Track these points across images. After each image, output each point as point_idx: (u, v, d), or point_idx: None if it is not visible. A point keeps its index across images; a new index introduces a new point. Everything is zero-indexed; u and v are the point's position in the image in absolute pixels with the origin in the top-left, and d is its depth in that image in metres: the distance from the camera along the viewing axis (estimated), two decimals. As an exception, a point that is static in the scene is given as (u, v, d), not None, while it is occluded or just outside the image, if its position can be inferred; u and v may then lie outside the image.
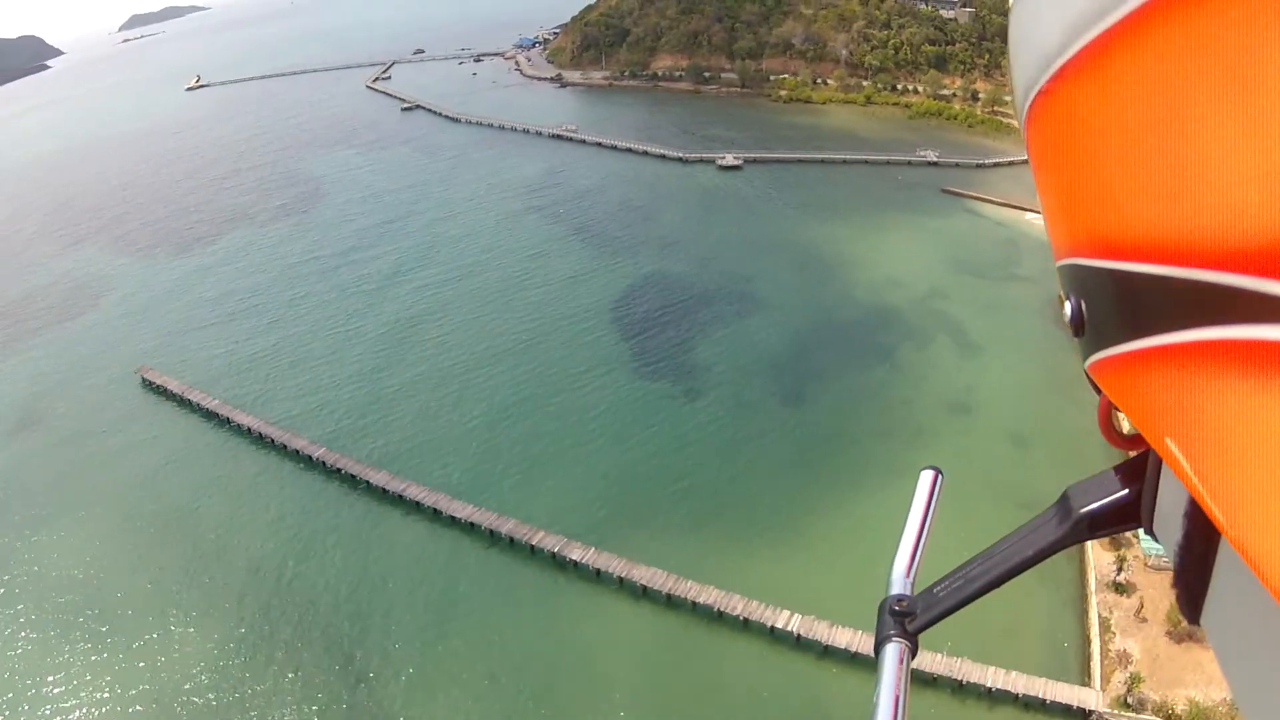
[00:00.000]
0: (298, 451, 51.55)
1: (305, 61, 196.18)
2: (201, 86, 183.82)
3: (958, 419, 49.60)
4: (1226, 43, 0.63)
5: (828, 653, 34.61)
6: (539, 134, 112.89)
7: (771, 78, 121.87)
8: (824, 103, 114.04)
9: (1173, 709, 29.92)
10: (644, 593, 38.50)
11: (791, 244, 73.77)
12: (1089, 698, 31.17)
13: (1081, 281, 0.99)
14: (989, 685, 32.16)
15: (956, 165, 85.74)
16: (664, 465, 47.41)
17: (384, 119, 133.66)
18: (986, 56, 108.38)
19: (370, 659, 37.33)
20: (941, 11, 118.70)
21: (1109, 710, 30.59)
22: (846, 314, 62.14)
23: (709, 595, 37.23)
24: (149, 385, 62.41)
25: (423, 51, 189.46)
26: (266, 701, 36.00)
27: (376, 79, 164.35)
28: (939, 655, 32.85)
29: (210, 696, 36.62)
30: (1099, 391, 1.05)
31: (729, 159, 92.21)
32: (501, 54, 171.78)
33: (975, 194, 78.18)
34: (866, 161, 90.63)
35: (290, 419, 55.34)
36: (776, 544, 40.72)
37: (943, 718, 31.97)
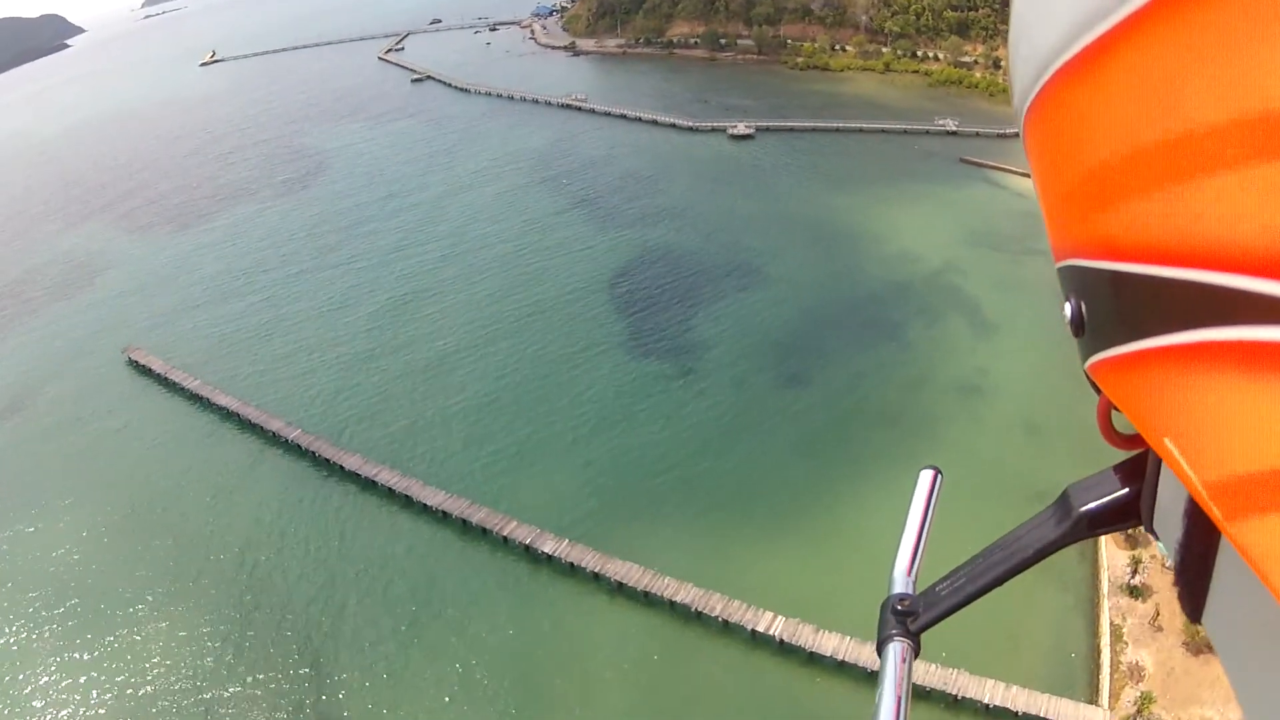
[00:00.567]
0: (275, 434, 49.77)
1: (320, 34, 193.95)
2: (216, 61, 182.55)
3: (969, 404, 46.28)
4: (1226, 43, 0.62)
5: (812, 659, 31.96)
6: (548, 104, 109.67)
7: (789, 44, 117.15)
8: (842, 70, 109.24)
9: (1189, 731, 26.99)
10: (619, 589, 36.09)
11: (800, 216, 70.21)
12: (1095, 718, 28.21)
13: (1081, 282, 0.99)
14: (986, 701, 29.28)
15: (976, 134, 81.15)
16: (653, 453, 44.73)
17: (393, 91, 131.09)
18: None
19: (337, 658, 35.46)
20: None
21: (1118, 731, 27.71)
22: (855, 290, 58.69)
23: (687, 594, 34.71)
24: (135, 366, 61.17)
25: (439, 21, 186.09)
26: (235, 702, 34.36)
27: (389, 50, 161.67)
28: (934, 666, 30.04)
29: (178, 695, 35.04)
30: (1098, 392, 1.06)
31: (740, 128, 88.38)
32: (518, 22, 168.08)
33: (995, 164, 73.77)
34: (883, 130, 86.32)
35: (274, 401, 53.53)
36: (766, 540, 37.99)
37: (935, 735, 29.31)
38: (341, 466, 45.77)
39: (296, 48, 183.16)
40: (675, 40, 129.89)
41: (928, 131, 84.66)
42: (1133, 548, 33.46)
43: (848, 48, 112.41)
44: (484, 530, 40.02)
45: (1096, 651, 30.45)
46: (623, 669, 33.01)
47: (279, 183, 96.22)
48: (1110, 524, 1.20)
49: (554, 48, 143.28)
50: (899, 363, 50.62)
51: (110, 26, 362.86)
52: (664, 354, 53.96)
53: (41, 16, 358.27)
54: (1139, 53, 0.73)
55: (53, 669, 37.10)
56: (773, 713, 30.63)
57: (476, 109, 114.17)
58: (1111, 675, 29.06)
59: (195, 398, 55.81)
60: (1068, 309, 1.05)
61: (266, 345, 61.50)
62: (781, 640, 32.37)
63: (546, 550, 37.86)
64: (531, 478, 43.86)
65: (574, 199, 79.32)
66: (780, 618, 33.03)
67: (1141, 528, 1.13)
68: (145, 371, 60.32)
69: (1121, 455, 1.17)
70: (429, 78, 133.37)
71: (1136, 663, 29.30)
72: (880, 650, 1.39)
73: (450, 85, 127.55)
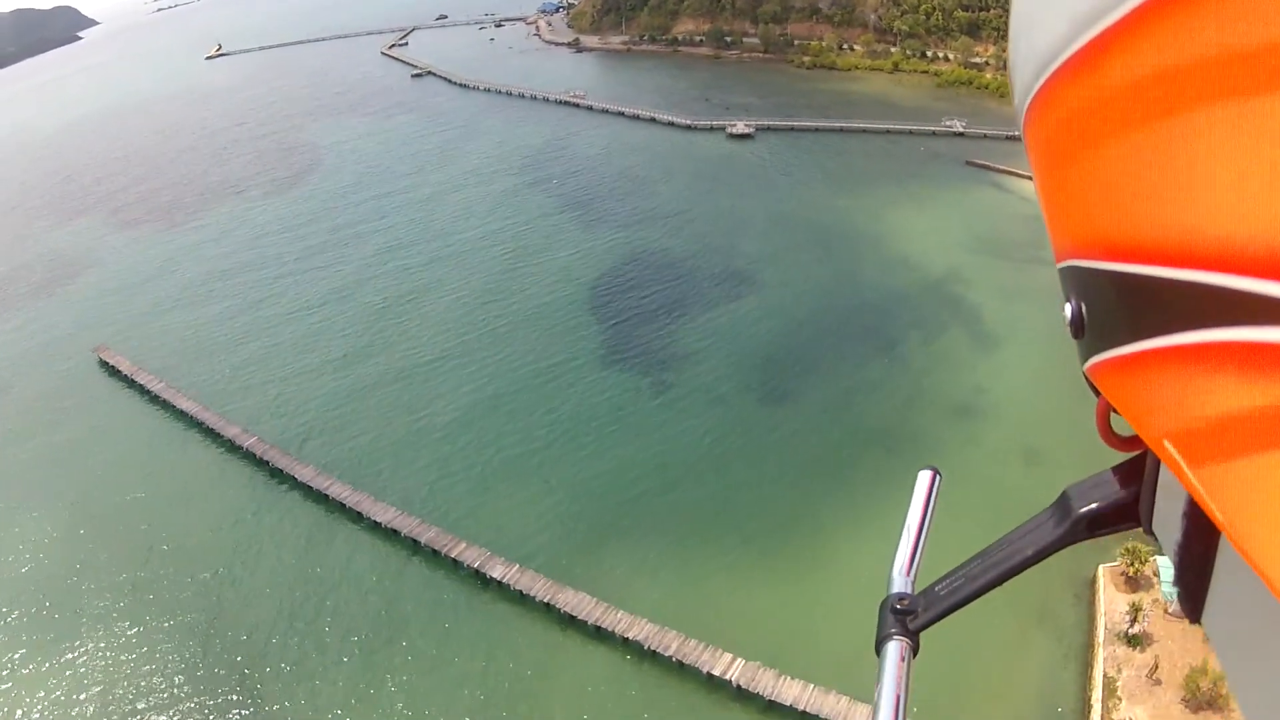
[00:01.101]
0: (231, 441, 47.49)
1: (325, 28, 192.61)
2: (221, 55, 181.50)
3: (964, 426, 43.10)
4: (1225, 43, 0.62)
5: (771, 708, 29.06)
6: (546, 100, 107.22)
7: (796, 43, 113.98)
8: (849, 69, 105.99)
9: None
10: (570, 621, 33.32)
11: (796, 219, 67.16)
12: (1081, 786, 25.25)
13: (1082, 283, 0.99)
14: (960, 761, 26.39)
15: (984, 136, 77.68)
16: (623, 478, 41.81)
17: (394, 86, 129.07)
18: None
19: (269, 683, 33.02)
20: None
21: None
22: (850, 299, 55.58)
23: (640, 630, 31.89)
24: (105, 366, 59.32)
25: (445, 16, 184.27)
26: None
27: (393, 45, 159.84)
28: None
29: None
30: (1097, 393, 1.06)
31: (740, 126, 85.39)
32: (524, 19, 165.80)
33: (1003, 167, 70.37)
34: (888, 131, 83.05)
35: (239, 408, 51.20)
36: (736, 573, 35.09)
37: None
38: (294, 477, 43.34)
39: (300, 42, 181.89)
40: (680, 37, 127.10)
41: (934, 133, 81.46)
42: (1133, 591, 30.30)
43: (855, 46, 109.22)
44: (434, 551, 37.38)
45: (1086, 706, 27.36)
46: (566, 708, 30.27)
47: (269, 181, 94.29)
48: (1109, 525, 1.20)
49: (558, 44, 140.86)
50: (890, 379, 47.51)
51: (122, 19, 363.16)
52: (644, 368, 51.04)
53: (54, 8, 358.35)
54: (1138, 52, 0.72)
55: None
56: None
57: (476, 105, 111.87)
58: (1101, 738, 26.00)
59: (158, 400, 53.78)
60: (1068, 310, 1.04)
61: (239, 349, 59.26)
62: (739, 685, 29.46)
63: (495, 575, 35.15)
64: (493, 499, 41.14)
65: (565, 200, 76.65)
66: (740, 660, 30.16)
67: (1141, 529, 1.12)
68: (114, 372, 58.47)
69: (1120, 457, 1.16)
70: (430, 73, 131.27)
71: (1130, 723, 26.24)
72: (879, 649, 1.39)
73: (450, 81, 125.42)
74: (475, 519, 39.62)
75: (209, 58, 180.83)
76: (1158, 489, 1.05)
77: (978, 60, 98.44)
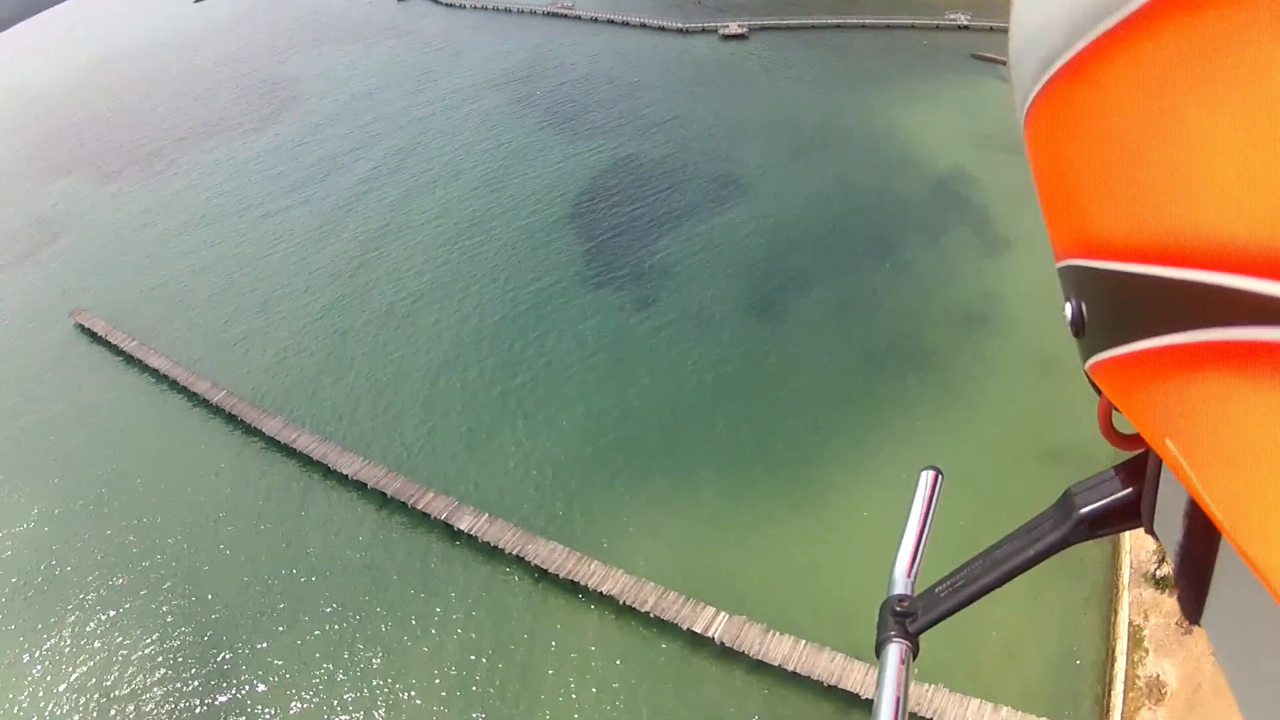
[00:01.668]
0: (201, 396, 45.40)
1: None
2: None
3: (974, 336, 39.19)
4: (1224, 44, 0.62)
5: (758, 669, 26.39)
6: (534, 13, 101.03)
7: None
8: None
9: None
10: (542, 575, 30.81)
11: (790, 122, 61.90)
12: (1101, 750, 22.28)
13: (1082, 283, 0.98)
14: (965, 723, 23.52)
15: (991, 29, 71.14)
16: (597, 408, 38.82)
17: (377, 13, 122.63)
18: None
19: (237, 651, 31.33)
20: None
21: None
22: (847, 202, 51.03)
23: (615, 582, 29.25)
24: (82, 329, 57.40)
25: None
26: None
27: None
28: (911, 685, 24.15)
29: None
30: (1099, 392, 1.05)
31: (733, 27, 78.92)
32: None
33: (1011, 60, 64.01)
34: (888, 26, 76.73)
35: (218, 363, 48.96)
36: (714, 519, 32.08)
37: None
38: (261, 431, 41.16)
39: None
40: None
41: (937, 26, 75.01)
42: (1163, 518, 26.77)
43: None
44: (404, 503, 34.96)
45: (1110, 658, 24.19)
46: (554, 671, 27.96)
47: (252, 118, 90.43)
48: (1111, 525, 1.20)
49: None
50: (891, 287, 43.50)
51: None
52: (624, 284, 47.50)
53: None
54: (1139, 53, 0.72)
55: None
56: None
57: (461, 24, 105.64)
58: (1125, 693, 22.84)
59: (134, 361, 51.91)
60: (1068, 309, 1.04)
61: (222, 300, 56.71)
62: (722, 643, 26.79)
63: (463, 527, 32.64)
64: (471, 446, 38.47)
65: (553, 114, 71.73)
66: (723, 614, 27.43)
67: (1143, 529, 1.12)
68: (91, 335, 56.61)
69: (1123, 455, 1.15)
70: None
71: (1157, 676, 23.00)
72: (879, 651, 1.42)
73: (437, 1, 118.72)
74: (451, 467, 37.12)
75: (197, 1, 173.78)
76: (1159, 489, 1.04)
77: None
